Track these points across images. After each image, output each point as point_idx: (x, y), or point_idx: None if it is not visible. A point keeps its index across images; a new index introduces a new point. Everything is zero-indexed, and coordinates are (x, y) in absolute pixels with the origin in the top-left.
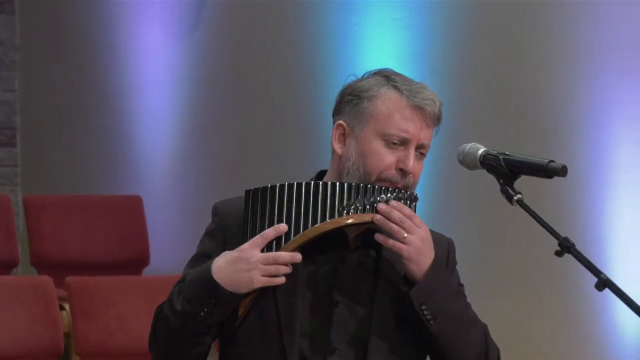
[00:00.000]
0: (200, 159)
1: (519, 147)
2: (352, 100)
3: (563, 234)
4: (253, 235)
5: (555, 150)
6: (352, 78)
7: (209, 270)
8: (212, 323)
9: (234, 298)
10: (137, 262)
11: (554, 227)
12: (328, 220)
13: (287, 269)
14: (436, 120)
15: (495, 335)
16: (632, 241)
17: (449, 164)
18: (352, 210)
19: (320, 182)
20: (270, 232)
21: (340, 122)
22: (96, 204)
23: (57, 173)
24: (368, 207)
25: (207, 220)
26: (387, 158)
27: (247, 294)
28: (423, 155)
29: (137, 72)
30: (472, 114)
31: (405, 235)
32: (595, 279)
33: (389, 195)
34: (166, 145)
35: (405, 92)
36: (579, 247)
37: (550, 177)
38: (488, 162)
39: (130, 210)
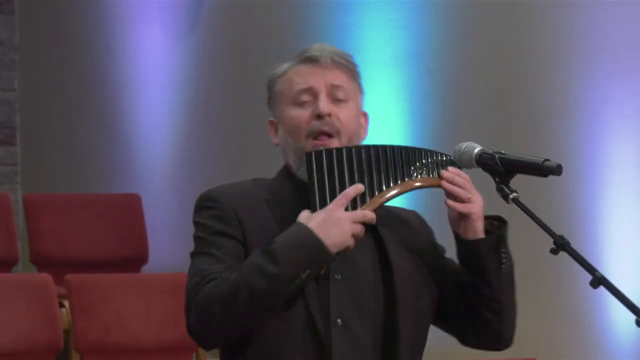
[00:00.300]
0: (199, 158)
1: (515, 146)
2: (269, 97)
3: (558, 232)
4: (323, 195)
5: (550, 149)
6: None
7: (309, 232)
8: (301, 287)
9: (330, 259)
10: (136, 260)
11: (549, 225)
12: (399, 182)
13: (364, 230)
14: (339, 62)
15: None
16: (625, 239)
17: None
18: (417, 175)
19: (387, 146)
20: (351, 191)
21: (270, 120)
22: (95, 203)
23: (56, 172)
24: (427, 170)
25: None
26: (301, 115)
27: None
28: (342, 100)
29: (136, 72)
30: (468, 113)
31: (470, 195)
32: (590, 277)
33: (438, 158)
34: (165, 144)
35: (295, 59)
36: (573, 245)
37: (545, 175)
38: (484, 161)
39: (130, 209)
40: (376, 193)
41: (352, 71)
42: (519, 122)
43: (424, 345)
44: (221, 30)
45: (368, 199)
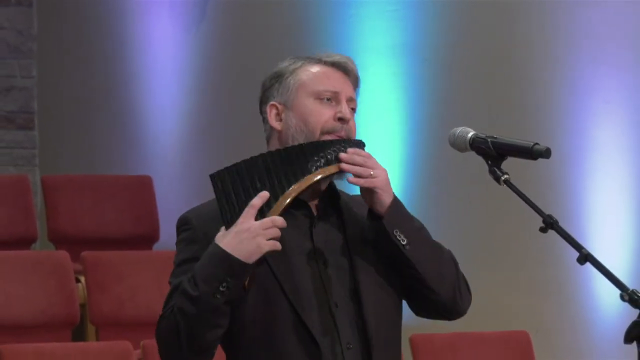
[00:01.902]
0: (206, 141)
1: (506, 130)
2: (275, 83)
3: (547, 212)
4: (235, 213)
5: (539, 134)
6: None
7: (218, 249)
8: (228, 300)
9: (247, 268)
10: (147, 238)
11: (538, 205)
12: (302, 180)
13: (279, 233)
14: (355, 79)
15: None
16: (609, 217)
17: (440, 147)
18: (316, 168)
19: (281, 149)
20: (256, 201)
21: (272, 102)
22: (109, 184)
23: (72, 154)
24: (326, 161)
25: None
26: (325, 112)
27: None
28: (353, 110)
29: (147, 60)
30: (462, 100)
31: (372, 171)
32: (577, 254)
33: (340, 146)
34: (175, 128)
35: (321, 58)
36: (561, 223)
37: (535, 158)
38: (477, 145)
39: (141, 190)
40: (280, 195)
41: (358, 91)
42: (510, 108)
43: (400, 316)
44: (226, 23)
45: (274, 204)
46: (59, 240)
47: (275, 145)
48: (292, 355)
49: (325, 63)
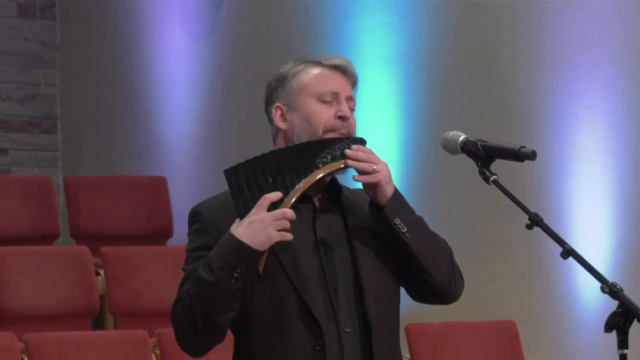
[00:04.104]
0: (217, 144)
1: (495, 134)
2: (278, 86)
3: (533, 210)
4: (248, 206)
5: (525, 137)
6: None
7: (233, 238)
8: (241, 285)
9: (259, 256)
10: (162, 234)
11: (524, 204)
12: (310, 175)
13: (289, 225)
14: (353, 79)
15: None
16: (590, 215)
17: (433, 150)
18: (322, 164)
19: (290, 146)
20: (270, 195)
21: (277, 104)
22: (127, 184)
23: (92, 157)
24: (332, 157)
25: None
26: (326, 111)
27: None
28: (352, 110)
29: (162, 68)
30: (453, 106)
31: (375, 166)
32: (560, 249)
33: (344, 143)
34: (188, 132)
35: (321, 61)
36: (546, 221)
37: (521, 160)
38: (468, 148)
39: (156, 189)
40: (290, 190)
41: (356, 89)
42: (498, 113)
43: (399, 302)
44: (235, 33)
45: (284, 198)
46: (80, 236)
47: (281, 144)
48: (297, 337)
49: (325, 66)
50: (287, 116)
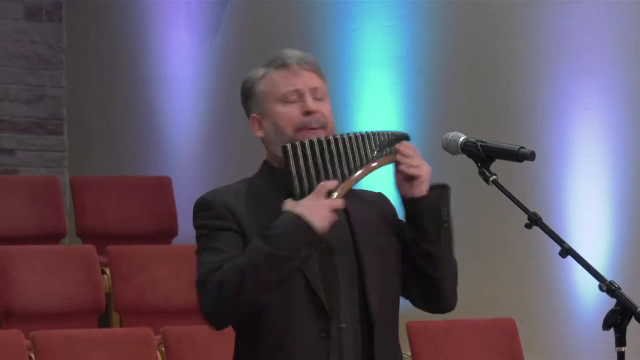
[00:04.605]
0: (220, 145)
1: (494, 135)
2: (248, 98)
3: (532, 210)
4: (304, 187)
5: (524, 138)
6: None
7: (299, 219)
8: (300, 265)
9: (322, 239)
10: (167, 233)
11: (523, 204)
12: (363, 168)
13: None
14: (314, 67)
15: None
16: (588, 215)
17: (434, 150)
18: (376, 157)
19: (350, 135)
20: (329, 184)
21: (252, 115)
22: (132, 184)
23: (98, 157)
24: (385, 151)
25: None
26: (291, 111)
27: None
28: (320, 99)
29: (166, 69)
30: (454, 107)
31: (419, 163)
32: (559, 248)
33: (394, 137)
34: (192, 133)
35: (270, 65)
36: (545, 220)
37: (520, 161)
38: (468, 149)
39: (161, 189)
40: (345, 179)
41: (321, 74)
42: (498, 114)
43: (399, 301)
44: (239, 34)
45: (339, 186)
46: (86, 235)
47: (266, 152)
48: (305, 323)
49: (282, 66)
50: (263, 124)
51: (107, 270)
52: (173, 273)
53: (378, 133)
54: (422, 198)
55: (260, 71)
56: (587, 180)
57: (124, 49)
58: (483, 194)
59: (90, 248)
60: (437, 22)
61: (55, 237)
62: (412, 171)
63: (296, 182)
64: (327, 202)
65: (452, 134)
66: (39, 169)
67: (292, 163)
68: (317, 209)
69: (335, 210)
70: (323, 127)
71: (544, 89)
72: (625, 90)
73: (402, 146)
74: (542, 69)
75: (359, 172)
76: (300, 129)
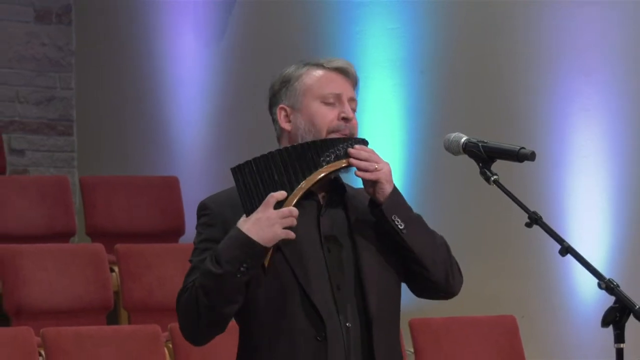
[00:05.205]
0: (228, 145)
1: (495, 135)
2: (282, 88)
3: (532, 209)
4: (254, 203)
5: (525, 139)
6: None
7: (241, 234)
8: (247, 279)
9: (265, 251)
10: (174, 232)
11: (524, 203)
12: (312, 174)
13: (295, 222)
14: (354, 80)
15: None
16: (587, 214)
17: (436, 151)
18: (326, 162)
19: (296, 145)
20: (276, 194)
21: (281, 105)
22: (140, 184)
23: (107, 157)
24: (336, 156)
25: None
26: (329, 113)
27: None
28: (354, 111)
29: (174, 72)
30: (455, 108)
31: (376, 165)
32: (559, 246)
33: (347, 143)
34: (199, 134)
35: (323, 63)
36: (545, 219)
37: (521, 161)
38: (469, 149)
39: (169, 189)
40: (294, 188)
41: (357, 89)
42: (499, 115)
43: (399, 297)
44: (245, 38)
45: (289, 195)
46: (95, 234)
47: (285, 144)
48: (300, 327)
49: (328, 68)
50: (291, 117)
51: (116, 269)
52: (180, 271)
53: (332, 139)
54: (381, 205)
55: (303, 68)
56: (587, 180)
57: (132, 51)
58: (484, 193)
59: (99, 247)
60: (439, 25)
61: (64, 236)
62: (367, 176)
63: (245, 199)
64: (275, 212)
65: (453, 135)
66: (49, 169)
67: (240, 183)
68: (262, 221)
69: (290, 217)
70: (352, 135)
71: (544, 90)
72: (625, 91)
73: (355, 150)
74: (543, 70)
75: (308, 179)
76: (332, 131)
